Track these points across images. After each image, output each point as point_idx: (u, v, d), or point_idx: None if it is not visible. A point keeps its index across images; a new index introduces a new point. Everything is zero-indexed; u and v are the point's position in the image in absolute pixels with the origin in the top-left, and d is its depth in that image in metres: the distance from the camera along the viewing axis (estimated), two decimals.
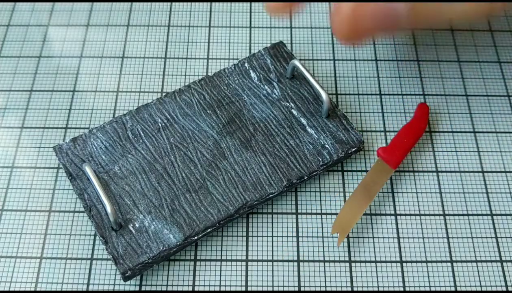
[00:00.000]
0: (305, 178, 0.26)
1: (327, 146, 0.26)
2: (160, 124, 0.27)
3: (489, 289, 0.24)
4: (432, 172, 0.27)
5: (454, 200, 0.27)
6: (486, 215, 0.26)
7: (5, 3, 0.33)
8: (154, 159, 0.26)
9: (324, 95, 0.26)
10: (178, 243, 0.24)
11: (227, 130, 0.27)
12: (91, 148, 0.26)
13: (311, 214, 0.26)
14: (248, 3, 0.33)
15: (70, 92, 0.30)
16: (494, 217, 0.26)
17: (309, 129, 0.27)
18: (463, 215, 0.26)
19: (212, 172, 0.25)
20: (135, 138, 0.26)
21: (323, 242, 0.25)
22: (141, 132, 0.26)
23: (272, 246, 0.25)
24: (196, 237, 0.24)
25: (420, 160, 0.28)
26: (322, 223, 0.26)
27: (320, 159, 0.26)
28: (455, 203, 0.27)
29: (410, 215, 0.26)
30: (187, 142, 0.26)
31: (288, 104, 0.27)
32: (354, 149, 0.26)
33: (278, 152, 0.26)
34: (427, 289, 0.24)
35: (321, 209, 0.26)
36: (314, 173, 0.26)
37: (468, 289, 0.24)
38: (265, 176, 0.25)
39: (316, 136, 0.27)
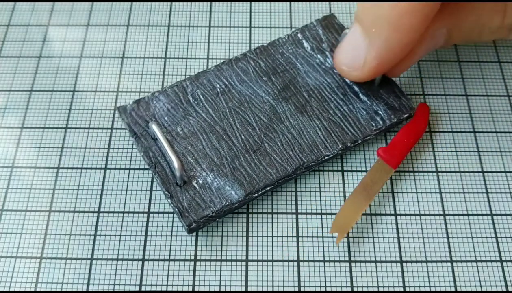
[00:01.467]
0: (359, 141, 0.27)
1: (380, 112, 0.27)
2: (218, 90, 0.28)
3: (489, 289, 0.24)
4: (432, 172, 0.27)
5: (454, 200, 0.27)
6: (486, 215, 0.26)
7: (5, 3, 0.33)
8: (214, 121, 0.27)
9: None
10: (240, 199, 0.25)
11: (283, 96, 0.28)
12: (153, 109, 0.27)
13: (311, 214, 0.26)
14: (248, 3, 0.33)
15: (70, 92, 0.30)
16: (494, 217, 0.26)
17: (362, 96, 0.28)
18: (463, 215, 0.26)
19: (269, 134, 0.27)
20: (196, 102, 0.27)
21: (323, 242, 0.25)
22: (201, 97, 0.27)
23: (272, 246, 0.25)
24: (256, 194, 0.25)
25: (420, 160, 0.28)
26: (322, 223, 0.26)
27: (374, 124, 0.27)
28: (455, 203, 0.27)
29: (410, 215, 0.26)
30: (245, 107, 0.27)
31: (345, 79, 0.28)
32: (406, 115, 0.27)
33: (333, 117, 0.27)
34: (427, 289, 0.24)
35: (321, 209, 0.26)
36: (368, 138, 0.27)
37: (468, 289, 0.24)
38: (321, 139, 0.26)
39: (369, 103, 0.27)
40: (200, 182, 0.25)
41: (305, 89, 0.28)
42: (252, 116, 0.27)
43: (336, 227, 0.25)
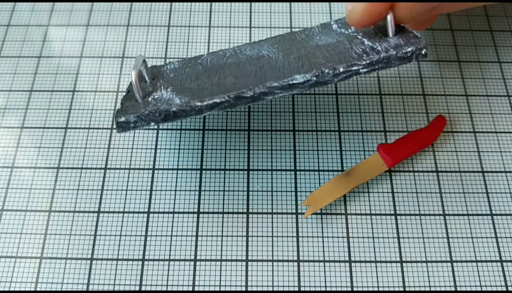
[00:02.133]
0: (341, 70, 0.23)
1: (379, 48, 0.24)
2: (227, 54, 0.28)
3: (489, 289, 0.24)
4: (432, 172, 0.27)
5: (454, 200, 0.27)
6: (486, 215, 0.26)
7: (5, 3, 0.33)
8: (207, 68, 0.27)
9: (389, 15, 0.24)
10: (181, 105, 0.23)
11: (284, 53, 0.26)
12: (164, 70, 0.28)
13: (311, 214, 0.26)
14: (248, 3, 0.33)
15: (70, 92, 0.30)
16: (494, 217, 0.26)
17: (364, 41, 0.25)
18: (463, 215, 0.26)
19: (247, 67, 0.25)
20: (201, 63, 0.28)
21: (323, 242, 0.25)
22: (208, 62, 0.28)
23: (272, 246, 0.25)
24: (200, 103, 0.23)
25: (420, 160, 0.28)
26: (322, 223, 0.26)
27: (365, 56, 0.23)
28: (455, 203, 0.27)
29: (410, 215, 0.26)
30: (242, 63, 0.26)
31: (356, 34, 0.26)
32: (410, 49, 0.23)
33: (322, 54, 0.24)
34: (427, 289, 0.24)
35: (321, 209, 0.26)
36: (354, 69, 0.23)
37: (468, 289, 0.24)
38: (297, 65, 0.24)
39: (368, 42, 0.24)
40: (156, 97, 0.24)
41: (309, 47, 0.26)
42: (242, 61, 0.26)
43: (309, 201, 0.25)
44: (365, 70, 0.23)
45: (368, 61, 0.23)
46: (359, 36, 0.25)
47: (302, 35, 0.28)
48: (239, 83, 0.23)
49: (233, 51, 0.28)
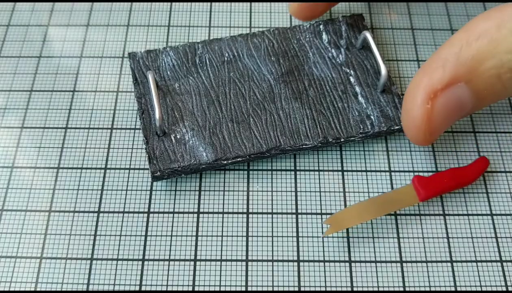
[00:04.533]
0: (342, 140, 0.27)
1: (372, 117, 0.27)
2: (225, 58, 0.29)
3: (489, 289, 0.24)
4: (432, 172, 0.27)
5: (454, 200, 0.27)
6: (486, 215, 0.26)
7: (5, 3, 0.33)
8: (211, 86, 0.28)
9: (383, 69, 0.27)
10: (208, 162, 0.26)
11: (284, 79, 0.28)
12: (160, 62, 0.29)
13: (311, 214, 0.26)
14: (248, 3, 0.33)
15: (70, 92, 0.30)
16: (494, 217, 0.26)
17: (360, 98, 0.28)
18: (463, 215, 0.26)
19: (257, 111, 0.27)
20: (201, 65, 0.29)
21: (323, 242, 0.25)
22: (207, 61, 0.29)
23: (272, 246, 0.25)
24: (225, 162, 0.26)
25: (420, 160, 0.28)
26: (322, 223, 0.26)
27: (362, 127, 0.27)
28: (455, 203, 0.27)
29: (410, 215, 0.26)
30: (244, 80, 0.28)
31: (348, 71, 0.29)
32: (397, 127, 0.27)
33: (324, 110, 0.27)
34: (427, 289, 0.24)
35: (321, 209, 0.26)
36: (352, 138, 0.27)
37: (468, 289, 0.24)
38: (305, 127, 0.27)
39: (364, 106, 0.28)
40: (178, 136, 0.26)
41: (307, 77, 0.28)
42: (247, 90, 0.28)
43: (333, 220, 0.25)
44: (359, 140, 0.27)
45: (363, 135, 0.27)
46: (351, 78, 0.28)
47: (295, 44, 0.30)
48: (257, 144, 0.26)
49: (231, 54, 0.29)
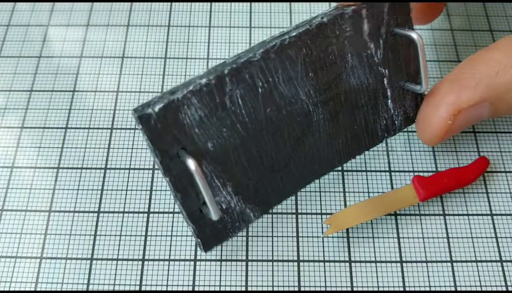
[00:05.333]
0: (365, 151, 0.26)
1: (396, 122, 0.26)
2: (260, 90, 0.22)
3: (489, 289, 0.24)
4: (432, 172, 0.27)
5: (454, 200, 0.27)
6: (486, 215, 0.26)
7: (5, 3, 0.33)
8: (248, 134, 0.23)
9: (424, 86, 0.25)
10: (257, 219, 0.25)
11: (321, 100, 0.24)
12: (183, 117, 0.21)
13: (311, 214, 0.26)
14: (248, 3, 0.33)
15: (70, 92, 0.30)
16: (494, 217, 0.26)
17: (389, 103, 0.26)
18: (463, 215, 0.26)
19: (297, 149, 0.24)
20: (233, 108, 0.22)
21: (323, 242, 0.25)
22: (239, 100, 0.22)
23: (272, 246, 0.25)
24: (270, 210, 0.25)
25: (420, 160, 0.28)
26: (322, 223, 0.26)
27: (386, 135, 0.26)
28: (455, 203, 0.27)
29: (410, 215, 0.26)
30: (282, 115, 0.23)
31: (383, 71, 0.25)
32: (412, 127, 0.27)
33: (357, 126, 0.25)
34: (427, 289, 0.24)
35: (321, 209, 0.26)
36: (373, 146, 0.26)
37: (468, 289, 0.24)
38: (338, 152, 0.25)
39: (392, 111, 0.26)
40: (224, 207, 0.23)
41: (344, 91, 0.24)
42: (286, 127, 0.23)
43: (333, 220, 0.25)
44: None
45: (383, 140, 0.26)
46: (385, 80, 0.25)
47: (334, 45, 0.24)
48: (297, 183, 0.25)
49: (265, 82, 0.22)
